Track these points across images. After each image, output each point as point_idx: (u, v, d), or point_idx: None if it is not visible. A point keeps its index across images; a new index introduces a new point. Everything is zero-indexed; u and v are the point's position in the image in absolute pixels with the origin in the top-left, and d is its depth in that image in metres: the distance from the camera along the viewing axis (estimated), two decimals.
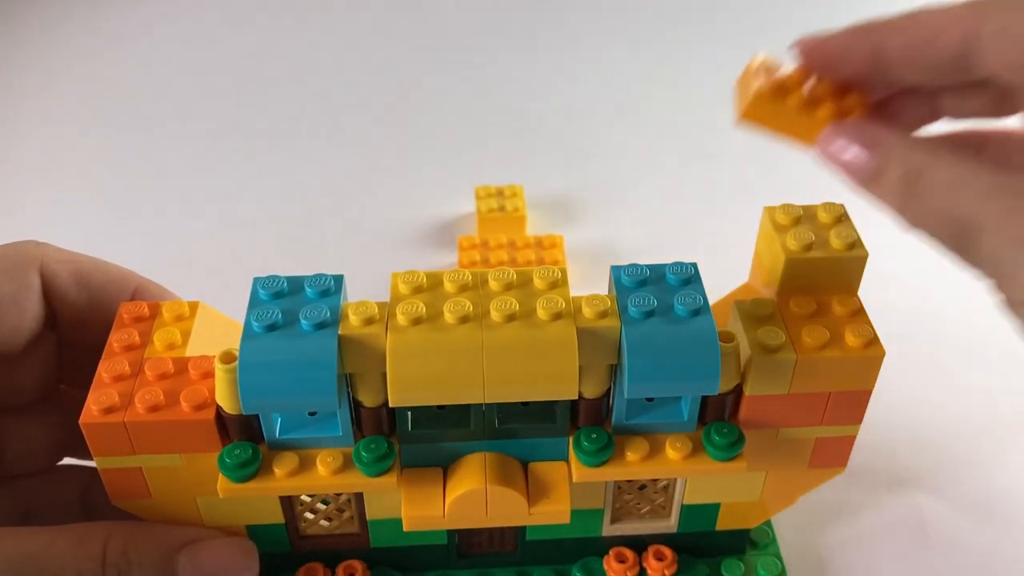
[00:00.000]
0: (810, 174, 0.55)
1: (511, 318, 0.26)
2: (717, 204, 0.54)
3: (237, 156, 0.59)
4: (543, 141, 0.61)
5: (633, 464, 0.28)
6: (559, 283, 0.27)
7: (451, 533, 0.32)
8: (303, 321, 0.26)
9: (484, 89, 0.67)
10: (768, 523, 0.34)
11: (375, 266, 0.47)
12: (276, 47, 0.72)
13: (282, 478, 0.28)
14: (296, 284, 0.27)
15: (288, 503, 0.30)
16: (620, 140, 0.61)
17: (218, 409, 0.27)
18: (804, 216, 0.30)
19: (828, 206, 0.30)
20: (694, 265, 0.28)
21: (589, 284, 0.41)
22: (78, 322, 0.32)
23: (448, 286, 0.27)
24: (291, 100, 0.65)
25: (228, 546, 0.30)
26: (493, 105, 0.65)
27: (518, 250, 0.49)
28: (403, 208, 0.54)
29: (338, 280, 0.27)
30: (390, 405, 0.26)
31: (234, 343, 0.30)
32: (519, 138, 0.61)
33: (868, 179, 0.24)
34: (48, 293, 0.31)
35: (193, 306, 0.31)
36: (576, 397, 0.26)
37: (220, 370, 0.26)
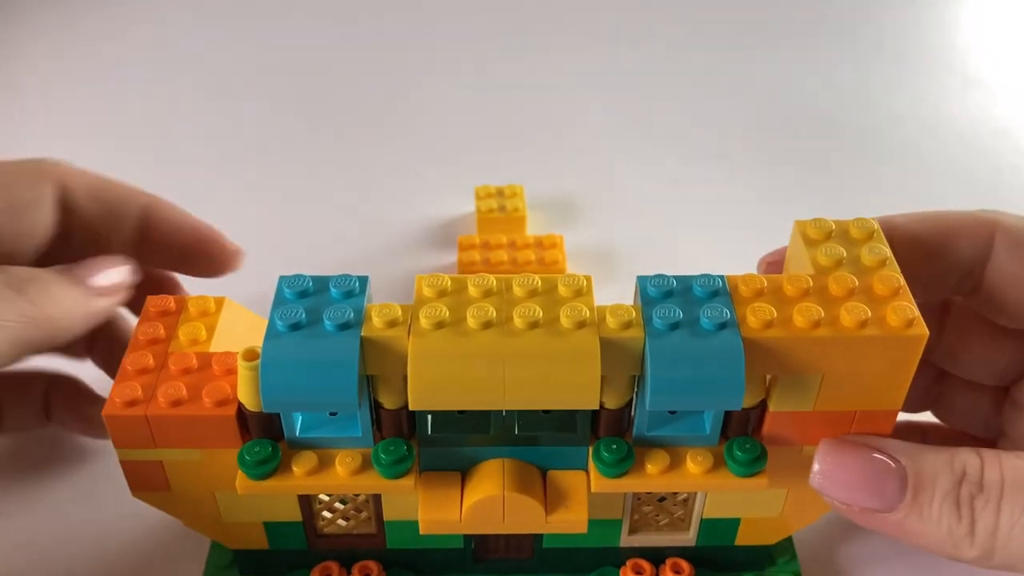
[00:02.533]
0: (810, 174, 0.56)
1: (534, 325, 0.26)
2: (718, 204, 0.54)
3: (237, 156, 0.59)
4: (543, 141, 0.60)
5: (652, 476, 0.28)
6: (584, 291, 0.27)
7: (468, 537, 0.32)
8: (326, 321, 0.26)
9: (484, 89, 0.67)
10: (788, 538, 0.34)
11: (374, 265, 0.47)
12: (276, 47, 0.72)
13: (300, 477, 0.28)
14: (321, 284, 0.27)
15: (306, 502, 0.30)
16: (620, 140, 0.60)
17: (239, 406, 0.27)
18: (836, 231, 0.29)
19: (860, 222, 0.29)
20: (722, 277, 0.27)
21: None
22: (92, 237, 0.33)
23: (472, 291, 0.27)
24: (290, 100, 0.65)
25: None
26: (493, 105, 0.65)
27: (518, 250, 0.48)
28: (403, 208, 0.53)
29: (363, 281, 0.27)
30: (410, 408, 0.26)
31: (258, 340, 0.31)
32: (519, 138, 0.61)
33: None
34: (64, 205, 0.32)
35: (219, 301, 0.31)
36: (596, 407, 0.26)
37: (242, 367, 0.26)
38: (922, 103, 0.63)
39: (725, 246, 0.50)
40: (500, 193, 0.52)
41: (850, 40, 0.72)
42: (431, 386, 0.25)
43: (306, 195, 0.55)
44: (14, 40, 0.74)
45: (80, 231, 0.33)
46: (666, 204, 0.54)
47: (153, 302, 0.30)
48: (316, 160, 0.59)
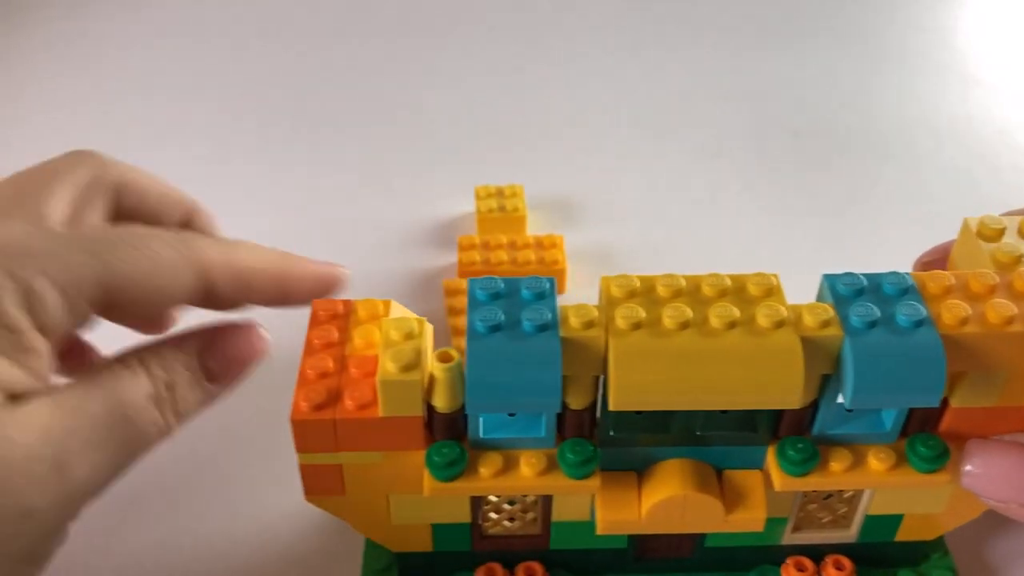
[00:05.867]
0: (810, 174, 0.56)
1: (732, 325, 0.26)
2: (718, 204, 0.54)
3: (235, 156, 0.58)
4: (543, 141, 0.60)
5: (837, 475, 0.28)
6: (774, 290, 0.27)
7: (632, 536, 0.32)
8: (526, 322, 0.26)
9: (484, 89, 0.67)
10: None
11: (374, 266, 0.47)
12: (275, 47, 0.72)
13: (487, 478, 0.28)
14: (512, 286, 0.27)
15: (476, 503, 0.30)
16: (620, 140, 0.60)
17: (427, 407, 0.27)
18: (1008, 228, 0.29)
19: None
20: (909, 275, 0.27)
21: (589, 285, 0.41)
22: None
23: (661, 291, 0.27)
24: (289, 100, 0.65)
25: (243, 333, 0.29)
26: (493, 105, 0.65)
27: (518, 250, 0.48)
28: (403, 208, 0.53)
29: (552, 282, 0.27)
30: (611, 409, 0.26)
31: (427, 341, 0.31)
32: (519, 138, 0.61)
33: None
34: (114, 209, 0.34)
35: (386, 304, 0.31)
36: (798, 406, 0.26)
37: (438, 369, 0.26)
38: (922, 103, 0.64)
39: (725, 246, 0.50)
40: (500, 193, 0.52)
41: (850, 40, 0.72)
42: (633, 386, 0.25)
43: (306, 195, 0.55)
44: (13, 42, 0.73)
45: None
46: (666, 204, 0.54)
47: (321, 305, 0.30)
48: (316, 160, 0.58)
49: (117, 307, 0.27)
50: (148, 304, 0.27)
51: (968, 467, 0.28)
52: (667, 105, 0.64)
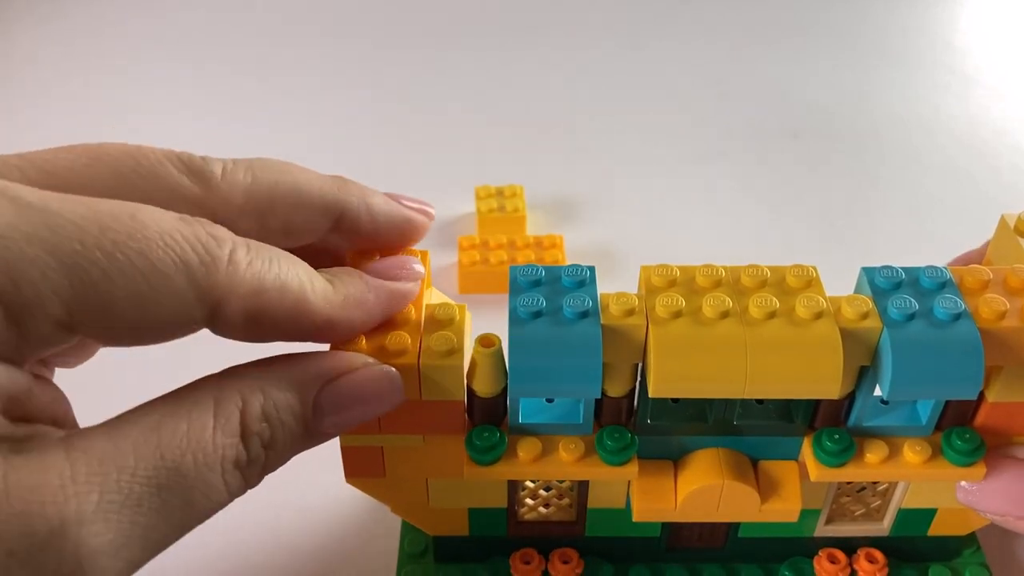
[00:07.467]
0: (810, 174, 0.56)
1: (771, 315, 0.26)
2: (718, 204, 0.54)
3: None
4: (543, 141, 0.60)
5: (873, 466, 0.28)
6: (814, 281, 0.27)
7: (665, 525, 0.32)
8: (567, 309, 0.26)
9: (484, 89, 0.67)
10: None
11: None
12: (274, 46, 0.72)
13: (526, 463, 0.28)
14: (553, 273, 0.27)
15: (513, 488, 0.31)
16: (620, 140, 0.61)
17: (468, 392, 0.28)
18: None
19: None
20: (946, 269, 0.28)
21: None
22: None
23: (700, 280, 0.27)
24: (289, 99, 0.65)
25: (373, 374, 0.25)
26: (493, 105, 0.65)
27: (518, 250, 0.49)
28: None
29: (592, 270, 0.28)
30: (650, 396, 0.26)
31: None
32: (519, 138, 0.61)
33: None
34: None
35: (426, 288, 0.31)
36: (837, 397, 0.26)
37: (480, 353, 0.27)
38: (922, 103, 0.64)
39: (725, 245, 0.50)
40: (500, 193, 0.52)
41: (850, 40, 0.72)
42: (673, 374, 0.26)
43: None
44: (15, 31, 0.74)
45: None
46: (666, 204, 0.54)
47: None
48: (315, 160, 0.58)
49: (93, 330, 0.20)
50: (134, 334, 0.21)
51: (963, 483, 0.29)
52: (667, 105, 0.64)
